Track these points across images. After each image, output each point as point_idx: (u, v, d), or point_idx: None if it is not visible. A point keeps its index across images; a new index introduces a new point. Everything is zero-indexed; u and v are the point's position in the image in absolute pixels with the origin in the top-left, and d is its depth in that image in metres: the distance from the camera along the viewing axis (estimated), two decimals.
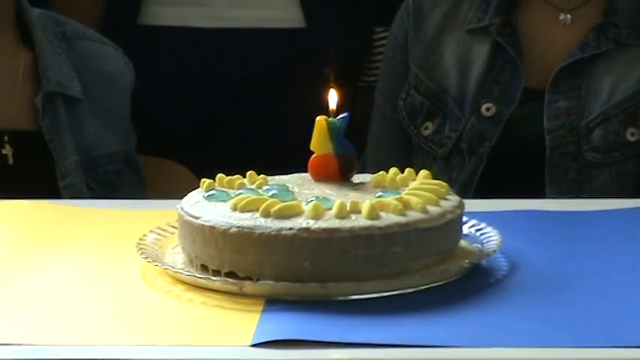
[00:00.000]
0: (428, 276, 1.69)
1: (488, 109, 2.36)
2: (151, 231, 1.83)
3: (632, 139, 2.28)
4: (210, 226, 1.70)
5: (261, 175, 1.81)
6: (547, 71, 2.35)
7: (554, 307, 1.66)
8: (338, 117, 1.77)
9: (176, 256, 1.78)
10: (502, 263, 1.78)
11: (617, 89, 2.30)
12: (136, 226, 1.87)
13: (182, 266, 1.75)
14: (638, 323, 1.59)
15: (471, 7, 2.44)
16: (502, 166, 2.35)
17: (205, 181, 1.81)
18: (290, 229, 1.66)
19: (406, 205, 1.70)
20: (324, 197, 1.72)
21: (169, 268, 1.74)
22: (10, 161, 2.30)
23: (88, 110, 2.36)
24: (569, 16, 2.38)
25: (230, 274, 1.69)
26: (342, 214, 1.67)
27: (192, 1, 2.60)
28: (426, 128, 2.41)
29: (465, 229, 1.81)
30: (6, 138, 2.30)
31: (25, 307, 1.69)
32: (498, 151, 2.35)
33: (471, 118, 2.37)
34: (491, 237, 1.80)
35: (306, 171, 1.80)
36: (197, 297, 1.70)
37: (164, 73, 2.51)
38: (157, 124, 2.46)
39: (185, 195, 1.80)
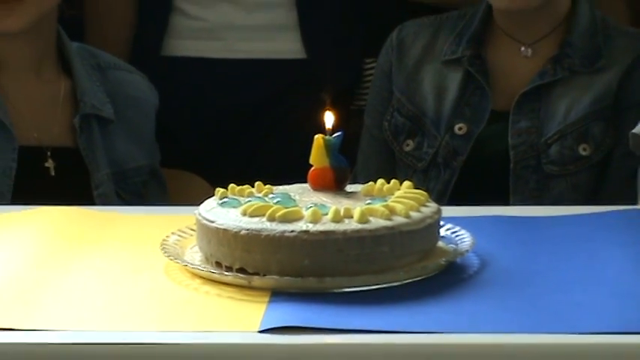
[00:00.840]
0: (410, 272, 1.69)
1: (460, 129, 2.36)
2: (173, 233, 1.83)
3: (584, 153, 2.29)
4: (224, 229, 1.70)
5: (267, 185, 1.81)
6: (511, 96, 2.35)
7: (519, 298, 1.66)
8: (333, 135, 1.77)
9: (194, 255, 1.78)
10: (474, 261, 1.78)
11: (571, 111, 2.30)
12: (159, 229, 1.87)
13: (199, 263, 1.75)
14: (590, 313, 1.60)
15: (445, 41, 2.44)
16: (472, 177, 2.35)
17: (219, 190, 1.80)
18: (292, 231, 1.66)
19: (392, 211, 1.70)
20: (321, 204, 1.72)
21: (188, 264, 1.74)
22: (52, 173, 2.30)
23: (118, 130, 2.36)
24: (529, 49, 2.38)
25: (240, 270, 1.69)
26: (336, 219, 1.67)
27: (208, 36, 2.60)
28: (408, 145, 2.41)
29: (442, 232, 1.81)
30: (49, 153, 2.30)
31: (66, 297, 1.69)
32: (469, 165, 2.36)
33: (445, 136, 2.37)
34: (465, 238, 1.79)
35: (306, 182, 1.79)
36: (212, 289, 1.70)
37: (184, 97, 2.51)
38: (177, 141, 2.46)
39: (202, 202, 1.79)
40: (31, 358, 1.57)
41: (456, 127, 2.37)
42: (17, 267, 1.79)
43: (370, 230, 1.67)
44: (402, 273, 1.69)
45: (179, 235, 1.82)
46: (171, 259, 1.76)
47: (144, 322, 1.61)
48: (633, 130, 2.15)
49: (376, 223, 1.68)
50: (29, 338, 1.56)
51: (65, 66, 2.36)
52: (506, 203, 2.24)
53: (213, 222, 1.72)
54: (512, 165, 2.32)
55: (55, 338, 1.56)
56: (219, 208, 1.75)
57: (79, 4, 2.51)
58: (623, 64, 2.34)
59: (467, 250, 1.77)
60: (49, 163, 2.30)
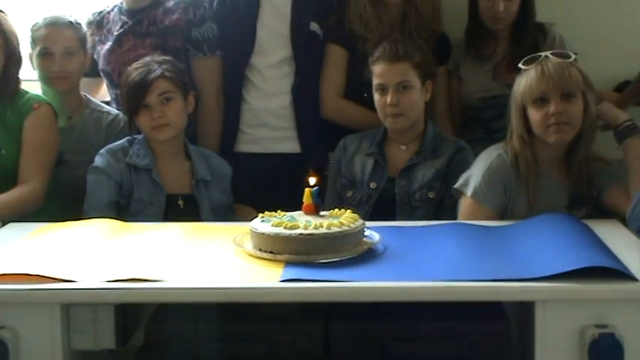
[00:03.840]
0: (351, 253, 1.68)
1: (373, 186, 2.31)
2: (238, 235, 1.79)
3: (431, 197, 2.24)
4: (262, 232, 1.69)
5: (283, 212, 1.77)
6: (397, 170, 2.30)
7: (403, 263, 1.66)
8: (314, 189, 1.75)
9: (248, 245, 1.73)
10: (380, 248, 1.74)
11: (425, 177, 2.26)
12: (232, 232, 1.82)
13: (251, 249, 1.71)
14: (439, 270, 1.58)
15: (366, 144, 2.37)
16: (378, 208, 2.28)
17: (260, 215, 1.78)
18: (295, 234, 1.65)
19: (341, 224, 1.69)
20: (308, 220, 1.70)
21: (245, 249, 1.71)
22: (182, 207, 2.22)
23: (213, 186, 2.29)
24: (405, 147, 2.32)
25: (270, 252, 1.66)
26: (316, 228, 1.67)
27: (254, 141, 2.51)
28: (348, 194, 2.34)
29: (365, 233, 1.77)
30: (180, 197, 2.23)
31: (186, 263, 1.66)
32: (377, 203, 2.29)
33: (366, 189, 2.32)
34: (375, 237, 1.76)
35: (301, 210, 1.76)
36: (256, 261, 1.67)
37: (243, 171, 2.43)
38: (240, 190, 2.39)
39: (252, 220, 1.76)
40: (156, 295, 1.55)
41: (371, 184, 2.30)
42: (160, 249, 1.76)
43: (331, 233, 1.66)
44: (347, 253, 1.67)
45: (241, 236, 1.78)
46: (237, 247, 1.73)
47: (221, 277, 1.59)
48: (454, 186, 2.14)
49: (335, 229, 1.67)
50: (159, 285, 1.54)
51: (187, 155, 2.30)
52: (394, 220, 2.20)
53: (257, 229, 1.70)
54: (397, 202, 2.26)
55: (160, 286, 1.54)
56: (261, 222, 1.73)
57: (195, 126, 2.45)
58: (448, 154, 2.28)
59: (376, 243, 1.74)
60: (180, 202, 2.23)
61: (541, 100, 1.98)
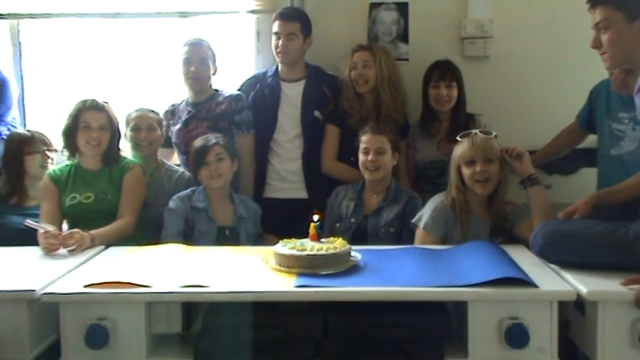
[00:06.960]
0: (342, 267, 1.67)
1: (353, 221, 2.28)
2: (266, 254, 1.78)
3: (392, 231, 2.21)
4: (282, 253, 1.69)
5: (296, 239, 1.76)
6: (370, 210, 2.26)
7: (379, 274, 1.64)
8: (317, 223, 1.76)
9: (272, 261, 1.74)
10: (362, 264, 1.73)
11: (389, 216, 2.22)
12: (260, 253, 1.81)
13: (274, 264, 1.71)
14: (404, 279, 1.58)
15: (350, 193, 2.33)
16: (357, 237, 2.22)
17: (281, 241, 1.77)
18: (304, 255, 1.65)
19: (336, 247, 1.70)
20: (313, 245, 1.70)
21: (269, 264, 1.71)
22: (228, 235, 2.20)
23: (248, 221, 2.27)
24: (376, 195, 2.28)
25: (287, 267, 1.66)
26: (318, 250, 1.67)
27: (276, 190, 2.52)
28: (338, 225, 2.31)
29: (352, 254, 1.75)
30: (226, 228, 2.21)
31: (224, 274, 1.65)
32: (356, 232, 2.25)
33: (348, 223, 2.28)
34: (358, 256, 1.76)
35: (308, 237, 1.77)
36: (276, 273, 1.67)
37: (269, 211, 2.39)
38: (267, 224, 2.35)
39: (275, 244, 1.76)
40: (209, 296, 1.55)
41: (351, 220, 2.28)
42: (212, 264, 1.75)
43: (329, 254, 1.67)
44: (339, 267, 1.66)
45: (267, 255, 1.76)
46: (265, 263, 1.73)
47: (253, 284, 1.58)
48: (412, 221, 2.14)
49: (331, 251, 1.67)
50: (211, 289, 1.55)
51: (232, 199, 2.26)
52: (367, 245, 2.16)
53: (278, 251, 1.71)
54: (369, 233, 2.23)
55: (212, 290, 1.54)
56: (281, 246, 1.73)
57: (237, 180, 2.42)
58: (404, 201, 2.26)
59: (359, 260, 1.74)
60: (227, 232, 2.22)
61: (471, 162, 2.02)
